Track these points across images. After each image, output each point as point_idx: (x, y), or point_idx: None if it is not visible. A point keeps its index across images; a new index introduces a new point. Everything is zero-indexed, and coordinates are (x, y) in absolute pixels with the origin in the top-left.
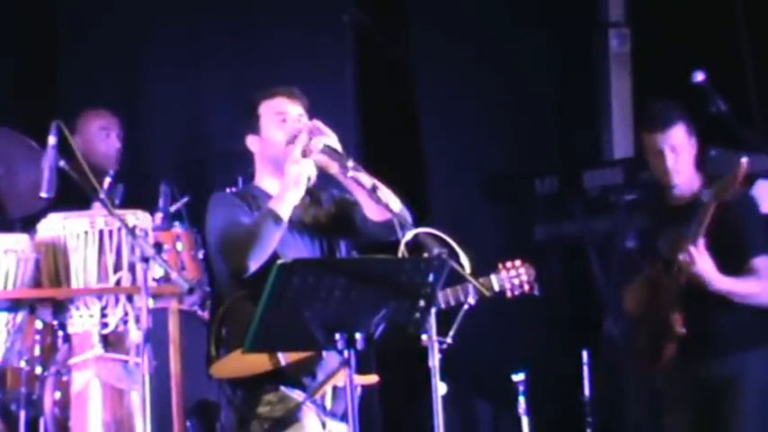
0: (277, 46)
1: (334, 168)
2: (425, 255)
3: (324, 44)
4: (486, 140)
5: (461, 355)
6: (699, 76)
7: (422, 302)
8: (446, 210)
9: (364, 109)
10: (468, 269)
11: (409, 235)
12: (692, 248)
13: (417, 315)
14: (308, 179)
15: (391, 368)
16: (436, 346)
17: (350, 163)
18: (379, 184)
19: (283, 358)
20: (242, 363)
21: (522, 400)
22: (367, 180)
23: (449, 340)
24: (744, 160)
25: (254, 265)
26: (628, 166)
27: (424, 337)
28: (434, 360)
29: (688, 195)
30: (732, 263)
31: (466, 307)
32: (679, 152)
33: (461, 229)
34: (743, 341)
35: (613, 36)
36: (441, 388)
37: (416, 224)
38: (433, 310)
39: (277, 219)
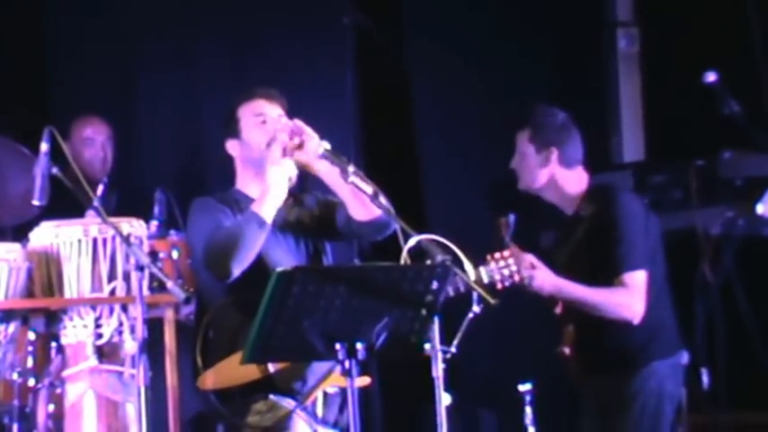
0: (276, 48)
1: (324, 173)
2: (428, 262)
3: (323, 48)
4: (488, 145)
5: (466, 364)
6: (711, 77)
7: (425, 310)
8: (445, 217)
9: (363, 113)
10: (472, 276)
11: (412, 241)
12: (526, 269)
13: (420, 324)
14: (290, 179)
15: (394, 379)
16: (440, 355)
17: (351, 168)
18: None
19: (272, 366)
20: (230, 373)
21: (528, 410)
22: (366, 185)
23: (453, 349)
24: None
25: (237, 269)
26: (638, 171)
27: (427, 346)
28: (438, 370)
29: (570, 209)
30: (605, 276)
31: (470, 315)
32: (521, 158)
33: (461, 238)
34: (627, 359)
35: (622, 36)
36: (445, 399)
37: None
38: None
39: (260, 222)
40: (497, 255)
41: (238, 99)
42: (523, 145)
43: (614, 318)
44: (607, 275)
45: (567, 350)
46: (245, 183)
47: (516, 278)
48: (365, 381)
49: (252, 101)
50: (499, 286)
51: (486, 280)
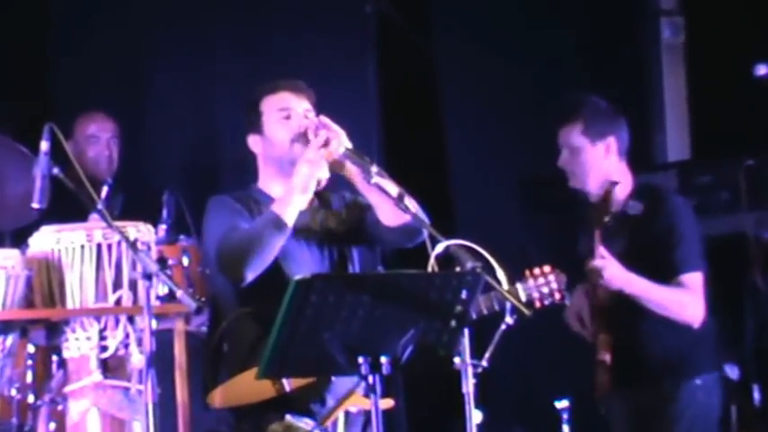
0: (293, 40)
1: (352, 173)
2: (458, 269)
3: (344, 39)
4: (520, 141)
5: (498, 379)
6: (761, 70)
7: (454, 322)
8: (475, 221)
9: (387, 109)
10: (505, 285)
11: (440, 247)
12: (597, 259)
13: (448, 336)
14: (318, 182)
15: (421, 395)
16: (470, 369)
17: (374, 168)
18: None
19: (288, 384)
20: (243, 390)
21: (566, 429)
22: (392, 187)
23: (484, 363)
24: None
25: (251, 275)
26: (683, 170)
27: (456, 360)
28: (468, 385)
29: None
30: (660, 277)
31: (503, 327)
32: (574, 153)
33: (493, 241)
34: (673, 371)
35: (665, 25)
36: (476, 416)
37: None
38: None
39: (280, 225)
40: (537, 271)
41: (262, 91)
42: (575, 139)
43: (675, 317)
44: (662, 276)
45: (607, 357)
46: (266, 181)
47: (557, 296)
48: (389, 403)
49: (276, 93)
50: (538, 305)
51: (523, 297)
